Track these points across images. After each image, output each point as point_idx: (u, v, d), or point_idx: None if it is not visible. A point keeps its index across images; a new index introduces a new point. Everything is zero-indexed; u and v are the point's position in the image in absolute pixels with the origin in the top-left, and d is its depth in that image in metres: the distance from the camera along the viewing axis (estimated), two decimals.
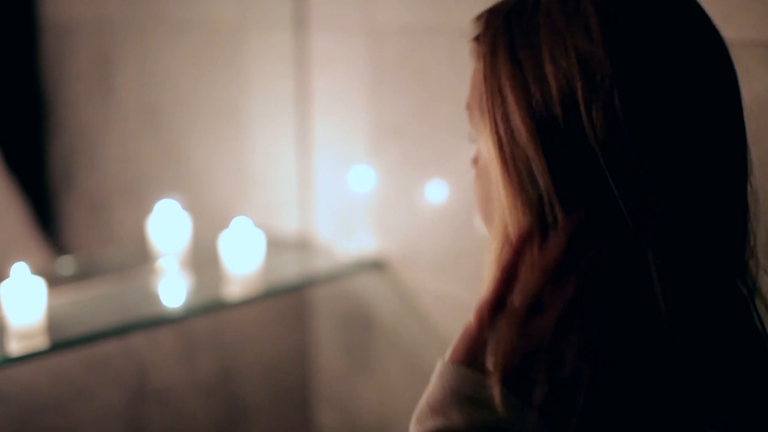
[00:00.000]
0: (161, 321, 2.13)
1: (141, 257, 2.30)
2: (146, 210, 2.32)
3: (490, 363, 1.00)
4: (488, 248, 1.17)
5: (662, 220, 0.96)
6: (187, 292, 2.25)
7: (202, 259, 2.28)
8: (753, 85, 1.11)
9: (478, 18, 1.11)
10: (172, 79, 2.76)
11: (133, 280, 2.27)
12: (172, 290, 2.24)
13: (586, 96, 0.96)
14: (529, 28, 1.01)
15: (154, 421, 2.21)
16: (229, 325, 2.34)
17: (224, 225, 2.23)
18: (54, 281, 2.00)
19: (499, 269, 1.06)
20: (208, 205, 2.65)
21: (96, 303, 2.12)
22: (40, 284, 1.85)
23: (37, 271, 1.88)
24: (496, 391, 0.97)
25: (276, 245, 2.39)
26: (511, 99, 1.01)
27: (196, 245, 2.30)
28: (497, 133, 1.03)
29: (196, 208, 2.41)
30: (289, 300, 2.43)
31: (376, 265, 2.28)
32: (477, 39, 1.10)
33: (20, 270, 1.86)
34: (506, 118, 1.02)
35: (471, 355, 1.04)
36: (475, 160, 1.18)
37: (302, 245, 2.44)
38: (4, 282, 1.85)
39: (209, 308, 2.16)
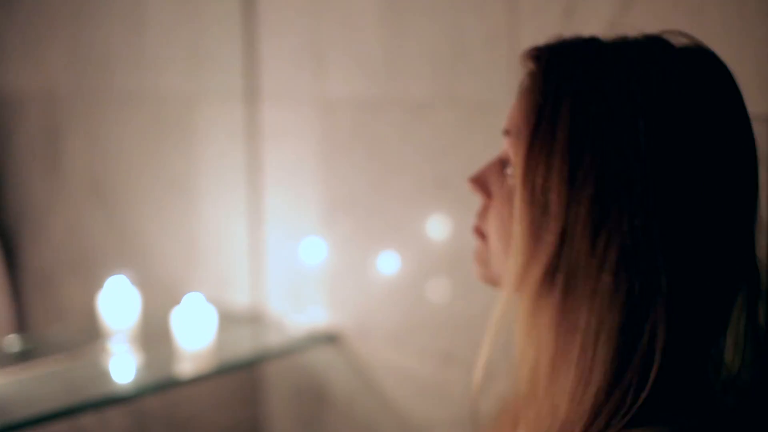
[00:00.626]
0: (111, 400, 2.08)
1: (90, 334, 2.26)
2: (95, 285, 2.28)
3: None
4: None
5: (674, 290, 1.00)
6: (137, 369, 2.21)
7: (154, 335, 2.25)
8: None
9: (539, 56, 1.13)
10: (122, 152, 2.74)
11: (83, 358, 2.22)
12: (123, 368, 2.20)
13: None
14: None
15: None
16: (181, 402, 2.30)
17: (176, 300, 2.20)
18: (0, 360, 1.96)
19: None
20: (160, 279, 2.62)
21: (44, 382, 2.08)
22: None
23: None
24: None
25: (228, 320, 2.38)
26: (557, 164, 1.03)
27: (147, 321, 2.27)
28: (532, 192, 1.05)
29: (147, 283, 2.39)
30: (242, 375, 2.41)
31: (329, 338, 2.27)
32: (536, 78, 1.11)
33: None
34: (544, 186, 1.04)
35: None
36: (485, 189, 1.20)
37: (255, 319, 2.42)
38: None
39: (161, 386, 2.12)
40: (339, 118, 2.19)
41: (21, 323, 2.93)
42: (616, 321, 1.00)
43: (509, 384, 1.90)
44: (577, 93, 1.04)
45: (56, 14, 2.83)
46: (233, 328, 2.37)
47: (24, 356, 2.37)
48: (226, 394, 2.40)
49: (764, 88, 1.48)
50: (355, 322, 2.22)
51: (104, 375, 2.20)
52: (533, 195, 1.05)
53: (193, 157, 2.54)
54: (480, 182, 1.20)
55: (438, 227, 2.04)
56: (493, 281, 1.22)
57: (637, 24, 1.65)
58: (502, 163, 1.18)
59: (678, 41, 1.13)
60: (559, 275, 1.03)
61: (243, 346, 2.32)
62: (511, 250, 1.09)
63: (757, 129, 1.10)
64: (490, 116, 1.92)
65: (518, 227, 1.06)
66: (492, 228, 1.17)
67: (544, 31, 1.79)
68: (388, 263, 2.14)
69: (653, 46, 1.10)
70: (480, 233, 1.22)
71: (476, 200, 1.95)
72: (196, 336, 2.14)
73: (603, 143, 1.01)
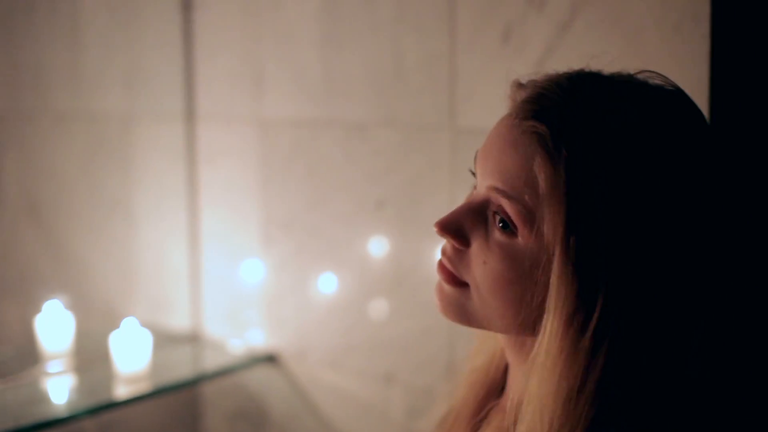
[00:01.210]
0: (48, 423, 2.05)
1: (27, 357, 2.24)
2: (31, 309, 2.27)
3: None
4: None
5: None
6: (74, 392, 2.19)
7: (92, 358, 2.23)
8: None
9: (542, 106, 1.15)
10: (58, 172, 2.72)
11: (19, 380, 2.20)
12: (60, 391, 2.18)
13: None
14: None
15: None
16: (119, 424, 2.28)
17: (114, 322, 2.19)
18: None
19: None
20: (98, 302, 2.59)
21: None
22: None
23: None
24: None
25: (167, 341, 2.37)
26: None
27: (85, 344, 2.25)
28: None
29: (84, 306, 2.37)
30: (180, 397, 2.39)
31: (269, 359, 2.26)
32: (541, 129, 1.13)
33: None
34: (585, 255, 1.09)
35: None
36: (461, 236, 1.21)
37: (194, 340, 2.40)
38: None
39: (96, 408, 2.10)
40: (277, 139, 2.19)
41: None
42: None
43: (448, 405, 1.90)
44: (603, 166, 1.10)
45: None
46: (172, 350, 2.35)
47: None
48: (165, 415, 2.38)
49: (702, 109, 1.50)
50: (295, 343, 2.22)
51: (41, 398, 2.18)
52: (575, 263, 1.09)
53: (131, 177, 2.52)
54: (454, 230, 1.21)
55: (377, 248, 2.04)
56: (469, 323, 1.24)
57: (575, 47, 1.67)
58: (478, 211, 1.20)
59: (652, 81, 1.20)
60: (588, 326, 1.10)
61: (181, 367, 2.30)
62: (509, 302, 1.16)
63: None
64: (429, 137, 1.93)
65: (561, 288, 1.10)
66: (483, 282, 1.18)
67: (483, 54, 1.82)
68: (328, 284, 2.14)
69: (661, 110, 1.16)
70: (454, 280, 1.22)
71: (416, 220, 1.96)
72: (132, 358, 2.12)
73: (641, 214, 1.09)
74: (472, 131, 1.86)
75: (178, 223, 2.41)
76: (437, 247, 1.91)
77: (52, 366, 2.22)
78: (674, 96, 1.18)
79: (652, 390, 1.11)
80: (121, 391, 2.11)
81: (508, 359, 1.31)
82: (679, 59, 1.54)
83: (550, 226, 1.10)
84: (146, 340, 2.15)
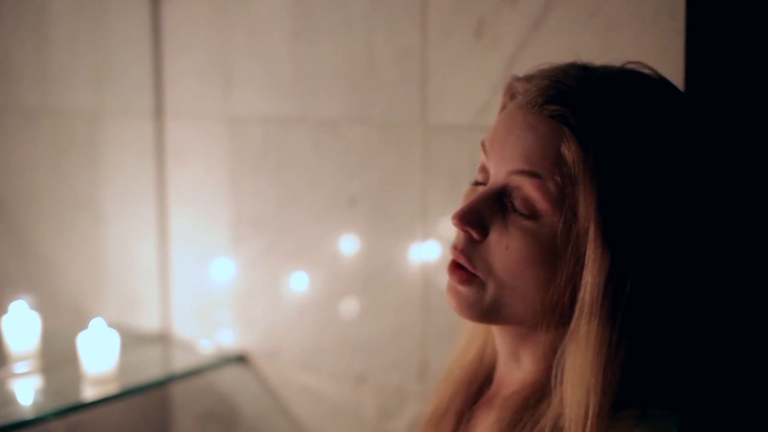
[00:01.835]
0: (15, 425, 2.02)
1: None
2: None
3: None
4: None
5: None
6: (41, 393, 2.17)
7: (59, 359, 2.20)
8: None
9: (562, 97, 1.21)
10: (25, 169, 2.68)
11: None
12: (26, 392, 2.16)
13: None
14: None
15: None
16: (88, 426, 2.26)
17: (82, 322, 2.16)
18: None
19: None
20: (65, 302, 2.56)
21: None
22: None
23: None
24: None
25: (137, 341, 2.35)
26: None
27: (52, 345, 2.23)
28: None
29: (51, 306, 2.34)
30: (150, 397, 2.37)
31: (239, 360, 2.24)
32: (563, 119, 1.19)
33: None
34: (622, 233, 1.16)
35: None
36: (481, 227, 1.24)
37: (163, 340, 2.39)
38: None
39: (65, 410, 2.08)
40: (248, 135, 2.17)
41: None
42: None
43: (422, 406, 1.89)
44: (628, 151, 1.17)
45: None
46: (141, 350, 2.34)
47: None
48: (134, 417, 2.36)
49: None
50: (265, 343, 2.20)
51: (7, 399, 2.15)
52: (611, 237, 1.16)
53: (99, 175, 2.50)
54: (475, 220, 1.24)
55: (349, 246, 2.02)
56: (489, 319, 1.28)
57: (549, 42, 1.66)
58: (494, 199, 1.24)
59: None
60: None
61: (151, 368, 2.28)
62: (534, 283, 1.21)
63: None
64: (401, 134, 1.91)
65: (597, 262, 1.16)
66: (505, 267, 1.22)
67: (455, 49, 1.80)
68: (299, 283, 2.12)
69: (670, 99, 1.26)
70: (468, 280, 1.26)
71: (388, 217, 1.95)
72: (101, 359, 2.10)
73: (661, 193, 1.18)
74: (444, 127, 1.84)
75: (146, 222, 2.39)
76: (410, 245, 1.90)
77: (19, 367, 2.20)
78: (665, 82, 1.27)
79: (677, 362, 1.21)
80: (89, 393, 2.09)
81: (503, 353, 1.35)
82: (654, 54, 1.52)
83: (584, 204, 1.16)
84: (114, 340, 2.12)
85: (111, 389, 2.11)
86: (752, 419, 1.47)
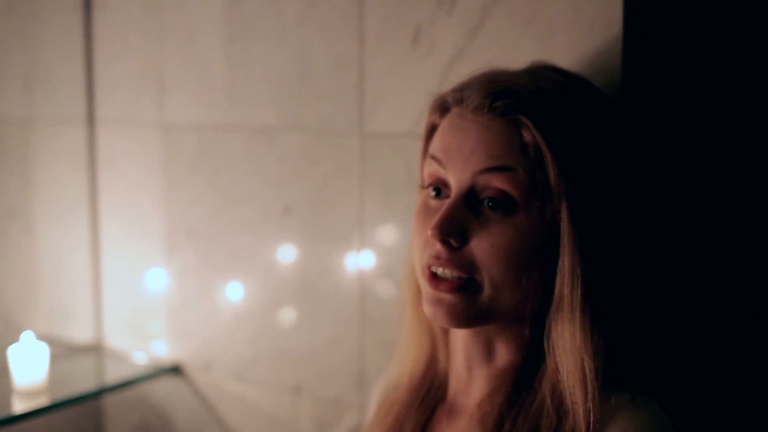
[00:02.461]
0: None
1: None
2: None
3: None
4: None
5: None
6: None
7: None
8: None
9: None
10: None
11: None
12: None
13: None
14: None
15: None
16: None
17: (13, 334, 2.14)
18: None
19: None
20: None
21: None
22: None
23: None
24: None
25: (68, 353, 2.32)
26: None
27: None
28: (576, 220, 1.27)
29: None
30: (82, 409, 2.34)
31: (173, 370, 2.22)
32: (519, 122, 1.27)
33: None
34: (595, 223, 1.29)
35: None
36: (461, 235, 1.29)
37: (96, 352, 2.35)
38: None
39: None
40: (181, 143, 2.14)
41: None
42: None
43: (360, 415, 1.88)
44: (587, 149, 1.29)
45: None
46: (74, 362, 2.30)
47: None
48: (66, 429, 2.33)
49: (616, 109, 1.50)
50: (200, 354, 2.17)
51: None
52: (582, 209, 1.27)
53: (30, 183, 2.46)
54: (454, 230, 1.28)
55: (285, 255, 2.00)
56: (481, 320, 1.32)
57: (486, 50, 1.65)
58: (465, 204, 1.29)
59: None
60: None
61: (83, 379, 2.25)
62: (522, 268, 1.27)
63: None
64: (337, 142, 1.89)
65: (572, 233, 1.26)
66: (495, 262, 1.27)
67: (392, 56, 1.79)
68: (234, 293, 2.09)
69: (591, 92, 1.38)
70: (453, 287, 1.30)
71: (324, 227, 1.93)
72: (30, 371, 2.06)
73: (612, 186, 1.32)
74: (381, 135, 1.83)
75: (79, 231, 2.35)
76: (347, 254, 1.88)
77: None
78: (584, 78, 1.42)
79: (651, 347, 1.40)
80: (19, 406, 2.05)
81: (473, 354, 1.39)
82: (592, 62, 1.53)
83: (554, 181, 1.25)
84: (43, 352, 2.09)
85: (41, 402, 2.07)
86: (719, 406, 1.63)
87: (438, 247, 1.28)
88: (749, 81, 1.71)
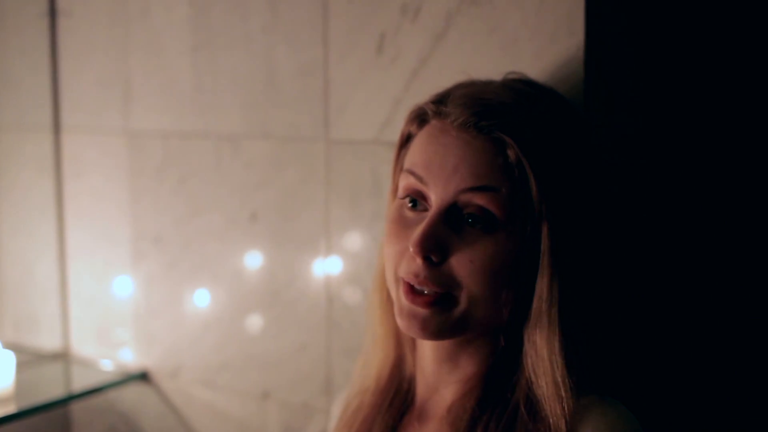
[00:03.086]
0: None
1: None
2: None
3: None
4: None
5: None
6: None
7: None
8: None
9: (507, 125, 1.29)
10: None
11: None
12: None
13: None
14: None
15: None
16: None
17: None
18: None
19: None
20: None
21: None
22: None
23: None
24: None
25: (35, 360, 2.31)
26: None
27: None
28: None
29: None
30: (50, 417, 2.32)
31: (140, 377, 2.21)
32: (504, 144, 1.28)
33: None
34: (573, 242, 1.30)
35: None
36: (442, 250, 1.30)
37: (63, 359, 2.35)
38: None
39: None
40: (147, 151, 2.14)
41: None
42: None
43: (327, 420, 1.88)
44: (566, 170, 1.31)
45: None
46: (41, 369, 2.29)
47: None
48: None
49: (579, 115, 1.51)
50: (167, 361, 2.17)
51: None
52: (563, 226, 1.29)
53: None
54: (434, 246, 1.29)
55: (251, 262, 2.01)
56: (459, 332, 1.33)
57: (450, 57, 1.67)
58: (446, 220, 1.30)
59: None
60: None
61: (50, 387, 2.24)
62: (502, 284, 1.29)
63: None
64: (303, 149, 1.90)
65: (553, 252, 1.28)
66: (474, 278, 1.28)
67: (357, 64, 1.80)
68: (201, 299, 2.09)
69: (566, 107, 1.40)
70: (430, 301, 1.31)
71: (291, 233, 1.93)
72: None
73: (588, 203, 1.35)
74: (346, 142, 1.84)
75: (45, 239, 2.34)
76: (313, 260, 1.89)
77: None
78: (557, 92, 1.43)
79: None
80: None
81: (437, 361, 1.40)
82: (555, 70, 1.54)
83: (536, 198, 1.26)
84: (10, 360, 2.08)
85: (9, 409, 2.06)
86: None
87: (418, 262, 1.29)
88: (711, 85, 1.73)
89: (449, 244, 1.28)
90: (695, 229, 1.75)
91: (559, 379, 1.26)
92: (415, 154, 1.35)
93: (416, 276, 1.29)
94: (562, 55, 1.54)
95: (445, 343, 1.38)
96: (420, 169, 1.32)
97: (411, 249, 1.28)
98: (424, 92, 1.68)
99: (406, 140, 1.40)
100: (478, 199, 1.27)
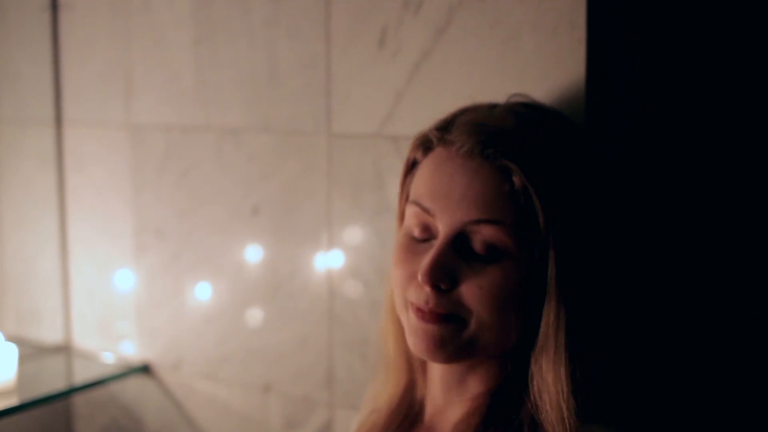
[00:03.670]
0: None
1: None
2: None
3: None
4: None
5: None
6: None
7: None
8: None
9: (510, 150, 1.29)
10: None
11: None
12: None
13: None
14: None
15: None
16: None
17: None
18: None
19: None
20: None
21: None
22: None
23: None
24: None
25: (37, 353, 2.31)
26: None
27: None
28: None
29: None
30: (52, 410, 2.34)
31: (142, 370, 2.22)
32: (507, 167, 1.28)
33: None
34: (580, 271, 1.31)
35: None
36: (452, 279, 1.30)
37: (65, 352, 2.35)
38: None
39: None
40: (149, 144, 2.14)
41: None
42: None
43: (329, 414, 1.89)
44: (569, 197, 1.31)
45: None
46: (43, 362, 2.30)
47: None
48: (36, 429, 2.33)
49: (579, 110, 1.51)
50: (169, 353, 2.17)
51: None
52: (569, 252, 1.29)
53: None
54: (443, 274, 1.29)
55: (253, 255, 2.01)
56: (466, 355, 1.34)
57: (452, 51, 1.66)
58: (455, 248, 1.30)
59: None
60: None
61: (52, 380, 2.24)
62: (512, 312, 1.29)
63: None
64: (305, 142, 1.90)
65: (561, 277, 1.28)
66: (483, 305, 1.29)
67: (359, 58, 1.80)
68: (202, 292, 2.10)
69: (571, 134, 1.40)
70: (441, 318, 1.31)
71: (292, 226, 1.94)
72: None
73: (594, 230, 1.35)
74: (348, 136, 1.84)
75: (46, 232, 2.35)
76: (315, 254, 1.89)
77: None
78: (560, 113, 1.43)
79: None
80: None
81: (446, 384, 1.42)
82: (556, 64, 1.54)
83: (543, 225, 1.26)
84: (12, 353, 2.09)
85: (10, 402, 2.07)
86: None
87: (427, 290, 1.30)
88: (713, 78, 1.73)
89: (457, 271, 1.29)
90: (703, 249, 1.75)
91: (564, 405, 1.26)
92: (420, 185, 1.35)
93: (426, 303, 1.30)
94: (564, 49, 1.54)
95: (453, 367, 1.38)
96: (426, 201, 1.32)
97: (420, 278, 1.29)
98: (426, 86, 1.69)
99: (411, 167, 1.41)
100: (485, 231, 1.28)
